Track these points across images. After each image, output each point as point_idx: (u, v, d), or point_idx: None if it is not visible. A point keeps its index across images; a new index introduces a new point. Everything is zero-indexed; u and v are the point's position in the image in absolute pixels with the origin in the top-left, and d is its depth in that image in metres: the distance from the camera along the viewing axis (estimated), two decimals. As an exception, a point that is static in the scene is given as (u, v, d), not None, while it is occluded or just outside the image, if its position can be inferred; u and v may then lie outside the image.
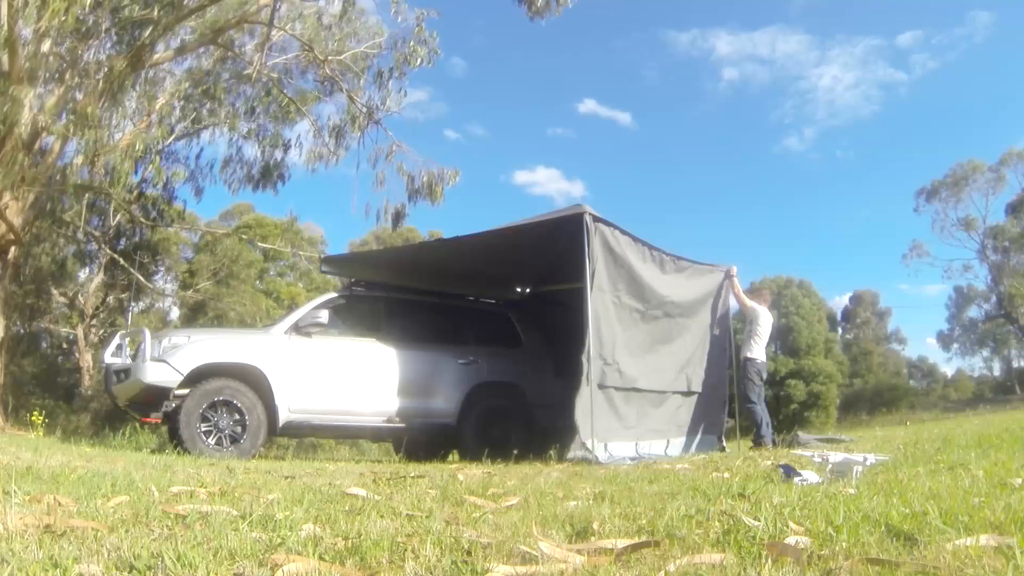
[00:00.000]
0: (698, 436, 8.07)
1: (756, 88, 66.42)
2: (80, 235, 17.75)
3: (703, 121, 70.18)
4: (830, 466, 3.62)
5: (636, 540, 1.85)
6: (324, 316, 7.27)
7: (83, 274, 22.15)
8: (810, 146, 67.14)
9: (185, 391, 6.64)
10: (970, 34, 58.77)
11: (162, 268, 24.20)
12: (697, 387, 8.14)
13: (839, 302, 53.60)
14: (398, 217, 15.11)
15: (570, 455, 6.12)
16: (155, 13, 12.01)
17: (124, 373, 6.91)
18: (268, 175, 16.14)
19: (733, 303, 8.84)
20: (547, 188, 67.35)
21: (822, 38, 67.53)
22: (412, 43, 14.51)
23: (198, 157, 16.37)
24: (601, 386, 6.61)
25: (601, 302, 6.73)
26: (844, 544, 1.76)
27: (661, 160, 71.96)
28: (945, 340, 49.43)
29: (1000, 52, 59.12)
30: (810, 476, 3.46)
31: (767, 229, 71.66)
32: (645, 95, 71.67)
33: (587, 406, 6.24)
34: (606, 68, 72.97)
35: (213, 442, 6.60)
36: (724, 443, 8.30)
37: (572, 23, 73.53)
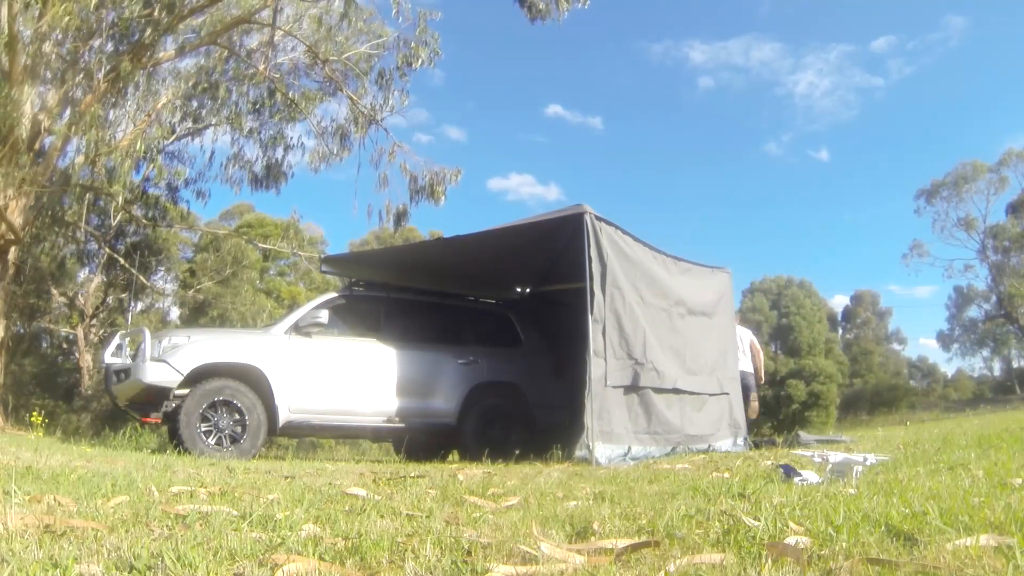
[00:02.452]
0: (733, 438, 8.05)
1: (736, 95, 67.23)
2: (80, 235, 17.76)
3: (686, 126, 71.15)
4: (830, 466, 3.62)
5: (636, 540, 1.85)
6: (324, 316, 7.27)
7: (83, 274, 22.17)
8: (799, 149, 68.03)
9: (185, 391, 6.64)
10: (945, 38, 59.22)
11: (162, 268, 24.20)
12: (728, 388, 8.12)
13: (837, 302, 53.71)
14: (400, 217, 15.12)
15: (580, 454, 6.03)
16: (156, 12, 12.01)
17: (124, 373, 6.90)
18: (271, 175, 16.14)
19: None
20: (521, 193, 67.62)
21: (795, 46, 68.25)
22: (414, 44, 14.53)
23: (211, 158, 16.39)
24: (635, 386, 6.54)
25: (621, 300, 6.59)
26: (844, 544, 1.76)
27: (646, 164, 72.57)
28: (945, 340, 49.45)
29: (982, 53, 59.64)
30: (810, 476, 3.46)
31: (764, 230, 72.07)
32: (626, 103, 72.44)
33: (600, 406, 6.17)
34: (580, 77, 73.50)
35: (213, 442, 6.60)
36: (750, 443, 8.28)
37: (544, 32, 73.91)
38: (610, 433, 6.15)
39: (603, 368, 6.24)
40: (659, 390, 6.78)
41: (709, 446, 7.37)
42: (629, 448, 6.25)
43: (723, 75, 66.76)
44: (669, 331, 7.24)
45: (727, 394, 8.16)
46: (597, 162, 72.09)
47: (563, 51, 72.79)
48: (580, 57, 71.78)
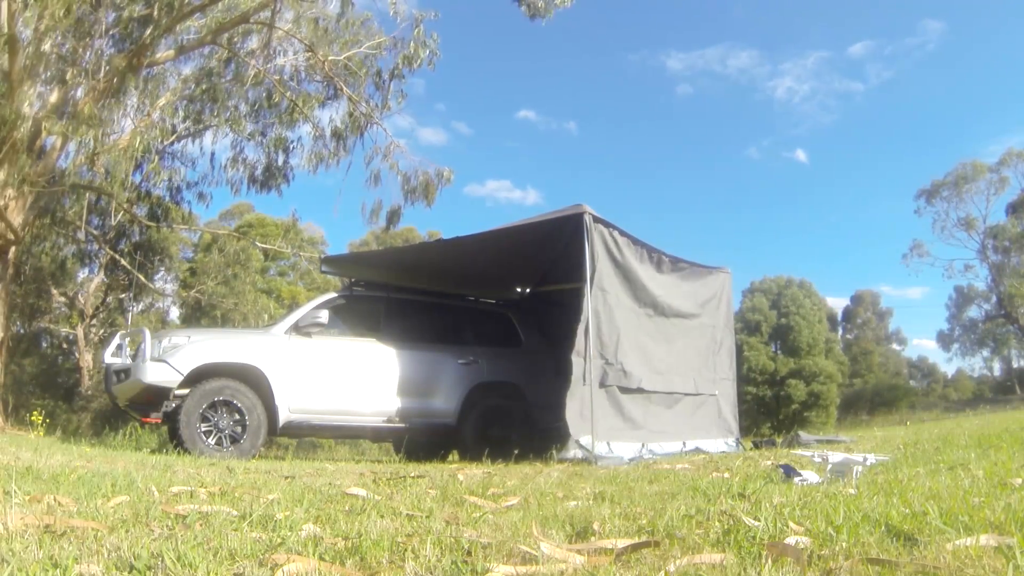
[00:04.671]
0: (717, 440, 8.04)
1: (719, 100, 67.63)
2: (80, 235, 17.73)
3: (668, 131, 71.51)
4: (830, 466, 3.62)
5: (636, 540, 1.85)
6: (324, 316, 7.27)
7: (83, 274, 22.17)
8: (793, 152, 68.36)
9: (185, 391, 6.64)
10: (923, 42, 59.68)
11: (162, 268, 24.18)
12: (708, 389, 8.12)
13: (831, 304, 53.69)
14: (393, 217, 15.18)
15: (568, 455, 6.09)
16: (155, 12, 12.01)
17: (124, 373, 6.91)
18: (272, 176, 16.13)
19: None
20: (498, 198, 67.07)
21: (773, 52, 68.60)
22: (412, 45, 14.54)
23: (212, 159, 16.37)
24: (602, 385, 6.59)
25: (603, 302, 6.71)
26: (844, 544, 1.76)
27: (631, 169, 72.69)
28: (945, 340, 49.42)
29: (965, 55, 60.18)
30: (810, 476, 3.46)
31: (762, 232, 72.20)
32: (603, 109, 72.33)
33: (580, 405, 6.23)
34: (554, 83, 73.09)
35: (213, 442, 6.60)
36: (741, 446, 8.27)
37: (519, 38, 73.71)
38: (590, 430, 6.21)
39: (582, 367, 6.33)
40: (624, 389, 6.86)
41: (684, 443, 7.37)
42: (608, 444, 6.30)
43: (703, 82, 67.18)
44: (642, 332, 7.33)
45: (713, 395, 8.17)
46: (574, 167, 72.18)
47: (537, 58, 72.83)
48: (554, 64, 71.95)
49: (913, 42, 60.53)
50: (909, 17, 65.58)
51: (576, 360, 6.34)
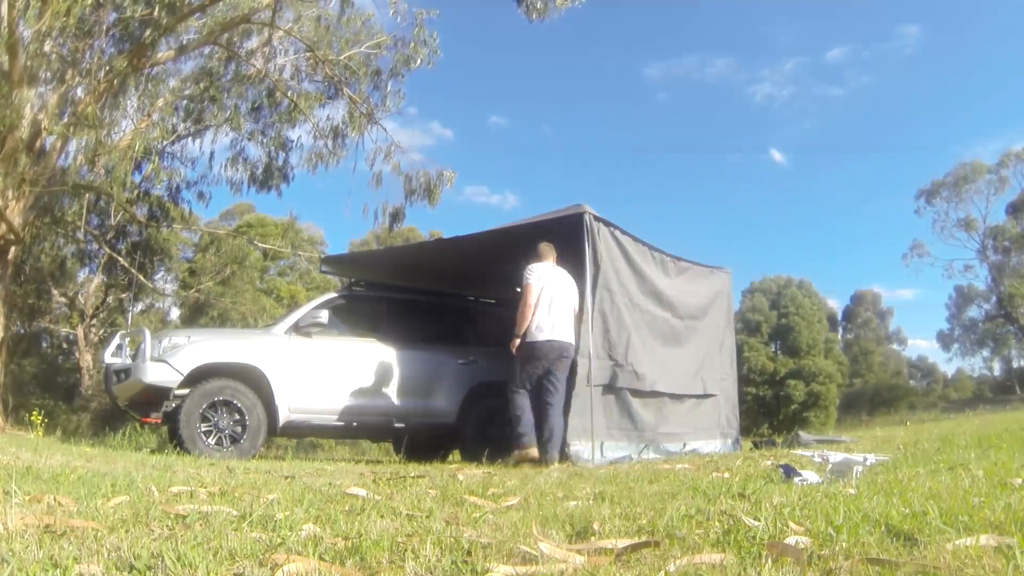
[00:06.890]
0: (716, 440, 8.05)
1: (699, 106, 68.05)
2: (80, 235, 17.74)
3: (656, 134, 71.58)
4: (830, 466, 3.62)
5: (636, 540, 1.84)
6: (324, 316, 7.27)
7: (83, 274, 22.17)
8: (791, 154, 68.69)
9: (185, 391, 6.64)
10: (900, 47, 60.04)
11: (162, 268, 24.18)
12: (713, 390, 8.12)
13: (837, 303, 53.62)
14: (395, 218, 15.18)
15: (570, 456, 6.08)
16: (156, 13, 12.02)
17: (124, 373, 6.91)
18: (272, 176, 16.14)
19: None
20: (476, 203, 66.76)
21: (750, 59, 69.05)
22: (413, 44, 14.54)
23: (212, 158, 16.37)
24: (611, 387, 6.58)
25: (610, 302, 6.67)
26: (844, 544, 1.76)
27: (620, 171, 72.77)
28: (945, 340, 49.46)
29: (956, 54, 60.72)
30: (810, 476, 3.46)
31: (761, 232, 72.24)
32: (596, 117, 72.52)
33: (582, 407, 6.21)
34: (534, 88, 73.19)
35: (213, 442, 6.60)
36: (740, 446, 8.27)
37: (495, 43, 73.73)
38: (588, 430, 6.21)
39: (587, 368, 6.30)
40: (636, 392, 6.83)
41: (684, 444, 7.36)
42: (602, 444, 6.29)
43: (681, 89, 67.62)
44: (654, 334, 7.30)
45: (714, 395, 8.17)
46: (554, 172, 72.20)
47: (513, 63, 72.94)
48: (530, 70, 72.14)
49: (891, 46, 61.06)
50: (885, 22, 66.19)
51: (580, 361, 6.30)
